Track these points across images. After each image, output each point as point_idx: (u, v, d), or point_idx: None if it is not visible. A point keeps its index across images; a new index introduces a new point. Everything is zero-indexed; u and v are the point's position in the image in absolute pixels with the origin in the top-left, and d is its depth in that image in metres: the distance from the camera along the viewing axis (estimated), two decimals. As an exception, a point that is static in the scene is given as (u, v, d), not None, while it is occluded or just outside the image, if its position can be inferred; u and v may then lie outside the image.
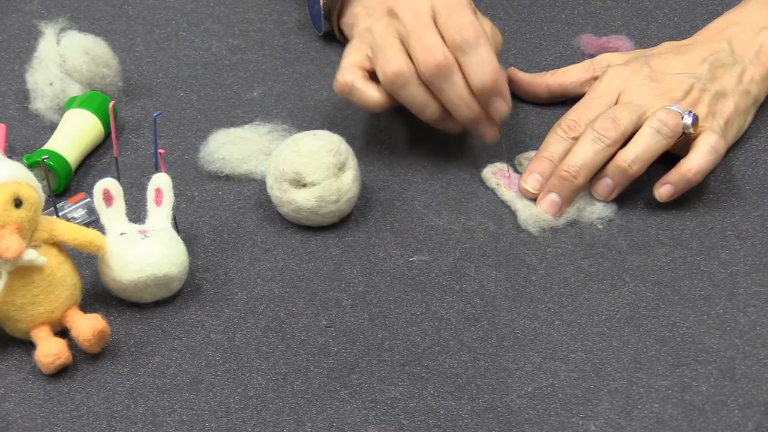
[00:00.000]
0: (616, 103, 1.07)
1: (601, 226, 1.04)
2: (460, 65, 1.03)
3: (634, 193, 1.07)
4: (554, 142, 1.06)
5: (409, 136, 1.13)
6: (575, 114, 1.07)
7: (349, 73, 1.06)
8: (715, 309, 0.97)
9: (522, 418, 0.90)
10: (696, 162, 1.04)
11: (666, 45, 1.14)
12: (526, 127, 1.14)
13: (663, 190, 1.04)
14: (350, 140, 1.06)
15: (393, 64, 1.04)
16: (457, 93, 1.04)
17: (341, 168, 1.03)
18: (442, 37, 1.03)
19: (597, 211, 1.05)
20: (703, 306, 0.98)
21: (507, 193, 1.07)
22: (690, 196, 1.06)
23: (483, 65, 1.02)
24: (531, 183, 1.06)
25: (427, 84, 1.04)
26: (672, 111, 1.04)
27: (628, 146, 1.04)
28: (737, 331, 0.96)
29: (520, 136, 1.13)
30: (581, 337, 0.95)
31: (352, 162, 1.04)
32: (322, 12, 1.20)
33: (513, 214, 1.05)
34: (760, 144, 1.12)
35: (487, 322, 0.97)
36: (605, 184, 1.05)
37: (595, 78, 1.12)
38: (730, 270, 1.00)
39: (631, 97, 1.06)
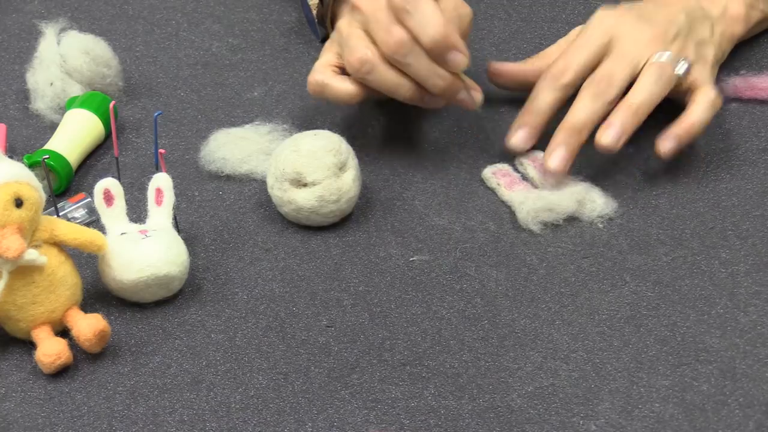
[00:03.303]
0: (607, 46, 1.06)
1: (601, 225, 1.04)
2: (409, 30, 1.02)
3: (634, 192, 1.07)
4: (542, 91, 1.06)
5: (410, 135, 1.13)
6: (564, 60, 1.07)
7: (319, 72, 1.07)
8: (716, 309, 0.97)
9: (523, 417, 0.90)
10: (699, 115, 1.05)
11: None
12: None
13: (667, 145, 1.05)
14: (351, 140, 1.06)
15: (356, 51, 1.04)
16: (422, 65, 1.03)
17: (342, 168, 1.03)
18: None
19: (597, 209, 1.05)
20: (704, 306, 0.98)
21: (507, 193, 1.07)
22: (690, 196, 1.06)
23: (427, 21, 1.01)
24: (519, 136, 1.07)
25: (394, 63, 1.04)
26: (665, 63, 1.05)
27: (632, 92, 1.04)
28: (738, 331, 0.96)
29: (520, 136, 1.13)
30: (582, 336, 0.95)
31: (352, 162, 1.04)
32: (316, 19, 1.20)
33: (513, 214, 1.05)
34: (760, 144, 1.12)
35: (488, 322, 0.97)
36: (614, 131, 1.03)
37: None
38: (730, 270, 1.00)
39: (623, 45, 1.06)
